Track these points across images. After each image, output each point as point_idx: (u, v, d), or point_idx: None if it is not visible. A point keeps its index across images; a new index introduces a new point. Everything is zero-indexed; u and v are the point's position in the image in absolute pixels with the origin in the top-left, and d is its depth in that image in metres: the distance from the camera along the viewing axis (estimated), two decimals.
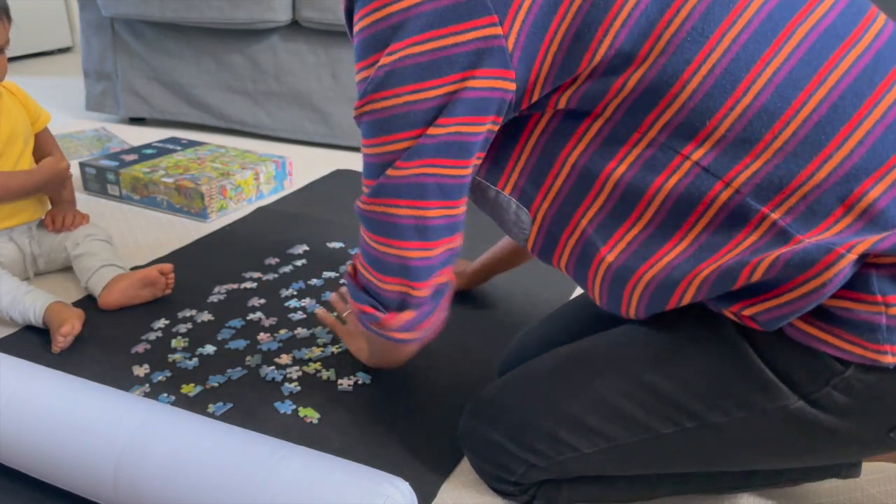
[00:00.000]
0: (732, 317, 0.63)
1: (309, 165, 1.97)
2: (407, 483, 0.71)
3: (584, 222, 0.66)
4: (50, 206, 1.37)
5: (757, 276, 0.57)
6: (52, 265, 1.34)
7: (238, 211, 1.67)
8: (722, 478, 0.79)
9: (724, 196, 0.59)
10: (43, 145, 1.36)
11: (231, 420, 0.94)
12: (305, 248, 1.46)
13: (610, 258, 0.65)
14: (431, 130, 0.63)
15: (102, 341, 1.12)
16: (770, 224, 0.58)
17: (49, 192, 1.33)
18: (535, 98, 0.64)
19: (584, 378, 0.73)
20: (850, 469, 0.81)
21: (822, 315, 0.59)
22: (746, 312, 0.61)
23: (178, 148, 1.86)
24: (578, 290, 1.28)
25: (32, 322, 1.14)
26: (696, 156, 0.59)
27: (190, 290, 1.28)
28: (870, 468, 0.88)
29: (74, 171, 1.81)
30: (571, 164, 0.65)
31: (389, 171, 0.66)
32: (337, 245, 1.47)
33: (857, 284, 0.56)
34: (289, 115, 2.14)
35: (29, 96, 1.35)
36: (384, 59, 0.63)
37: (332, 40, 2.02)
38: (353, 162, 2.02)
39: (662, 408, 0.68)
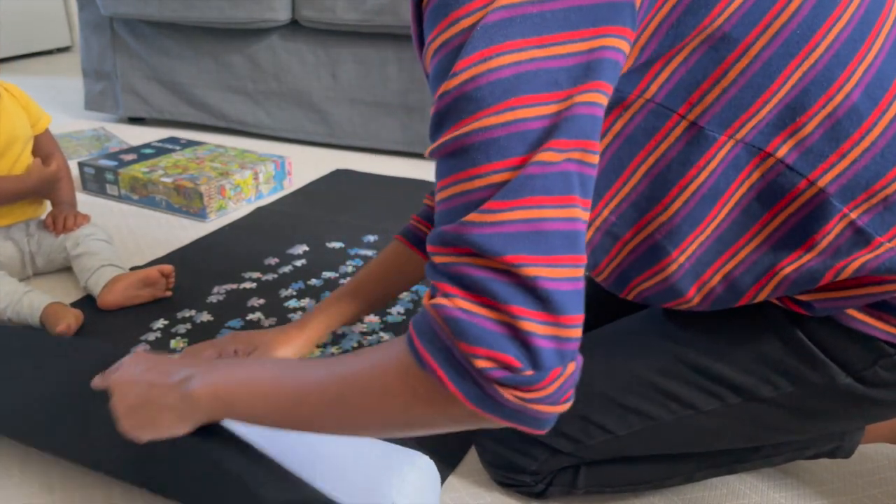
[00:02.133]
0: (776, 300, 0.65)
1: (308, 165, 1.97)
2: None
3: (651, 228, 0.62)
4: (49, 205, 1.37)
5: (842, 278, 0.59)
6: (51, 265, 1.34)
7: (237, 211, 1.67)
8: (734, 452, 0.81)
9: (808, 194, 0.57)
10: (43, 147, 1.37)
11: None
12: (305, 248, 1.46)
13: (681, 259, 0.62)
14: (582, 98, 0.47)
15: (101, 341, 1.12)
16: (848, 223, 0.57)
17: (41, 196, 1.33)
18: (624, 69, 0.54)
19: (618, 360, 0.74)
20: (850, 444, 0.83)
21: (874, 303, 0.61)
22: (803, 298, 0.62)
23: (177, 148, 1.86)
24: None
25: (29, 322, 1.14)
26: (781, 153, 0.57)
27: (189, 291, 1.27)
28: (870, 469, 0.88)
29: (73, 170, 1.81)
30: (644, 172, 0.60)
31: (543, 156, 0.46)
32: (337, 245, 1.47)
33: None
34: (288, 114, 2.14)
35: (30, 99, 1.35)
36: (501, 1, 0.47)
37: (332, 40, 2.02)
38: (353, 162, 2.02)
39: (706, 384, 0.69)
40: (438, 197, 0.50)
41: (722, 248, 0.61)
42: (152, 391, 0.63)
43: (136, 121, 2.38)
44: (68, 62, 3.40)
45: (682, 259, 0.62)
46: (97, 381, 0.71)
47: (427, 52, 0.51)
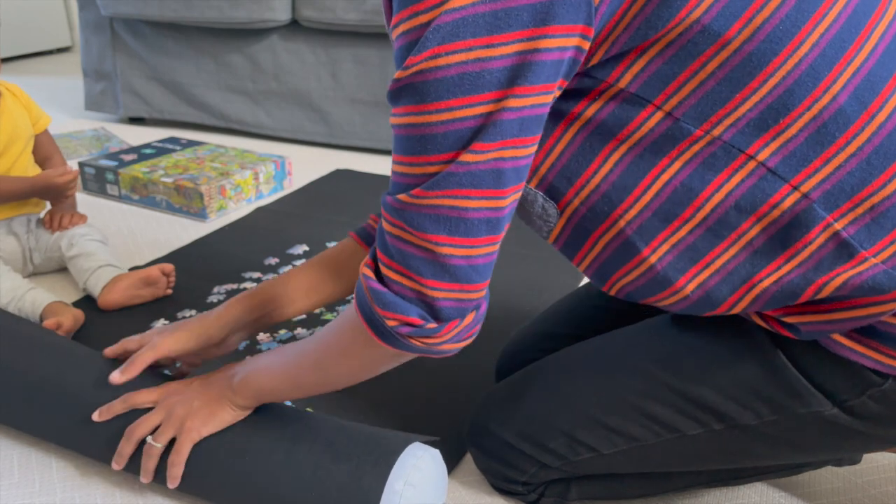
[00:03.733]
0: (762, 322, 0.63)
1: (308, 165, 1.97)
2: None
3: (622, 222, 0.60)
4: (48, 203, 1.38)
5: (822, 296, 0.57)
6: (48, 263, 1.34)
7: (237, 211, 1.67)
8: (731, 469, 0.80)
9: (790, 200, 0.55)
10: (42, 147, 1.38)
11: None
12: (305, 248, 1.46)
13: (653, 259, 0.60)
14: (513, 102, 0.52)
15: (102, 342, 1.12)
16: (832, 234, 0.55)
17: (48, 199, 1.34)
18: (595, 59, 0.55)
19: (604, 378, 0.73)
20: (851, 458, 0.82)
21: (861, 329, 0.58)
22: (789, 320, 0.60)
23: (178, 148, 1.86)
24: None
25: (31, 319, 1.14)
26: (763, 156, 0.55)
27: (189, 291, 1.27)
28: (870, 469, 0.88)
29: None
30: (615, 162, 0.58)
31: (465, 157, 0.53)
32: None
33: None
34: (288, 114, 2.14)
35: (31, 99, 1.36)
36: (456, 1, 0.50)
37: (332, 40, 2.02)
38: (353, 162, 2.02)
39: (689, 409, 0.68)
40: (392, 167, 0.59)
41: (696, 257, 0.59)
42: (208, 392, 0.77)
43: (136, 121, 2.38)
44: (68, 62, 3.41)
45: (653, 259, 0.60)
46: (118, 406, 0.80)
47: (392, 33, 0.56)
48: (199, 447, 0.75)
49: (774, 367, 0.63)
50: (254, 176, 1.71)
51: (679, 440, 0.69)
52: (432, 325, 0.59)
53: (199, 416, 0.75)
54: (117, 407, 0.79)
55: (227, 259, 1.40)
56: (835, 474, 0.87)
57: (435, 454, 0.76)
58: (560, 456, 0.75)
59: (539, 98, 0.53)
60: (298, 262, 1.39)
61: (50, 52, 3.61)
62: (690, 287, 0.61)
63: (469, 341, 0.63)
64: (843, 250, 0.55)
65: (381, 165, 1.99)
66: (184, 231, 1.56)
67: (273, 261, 1.40)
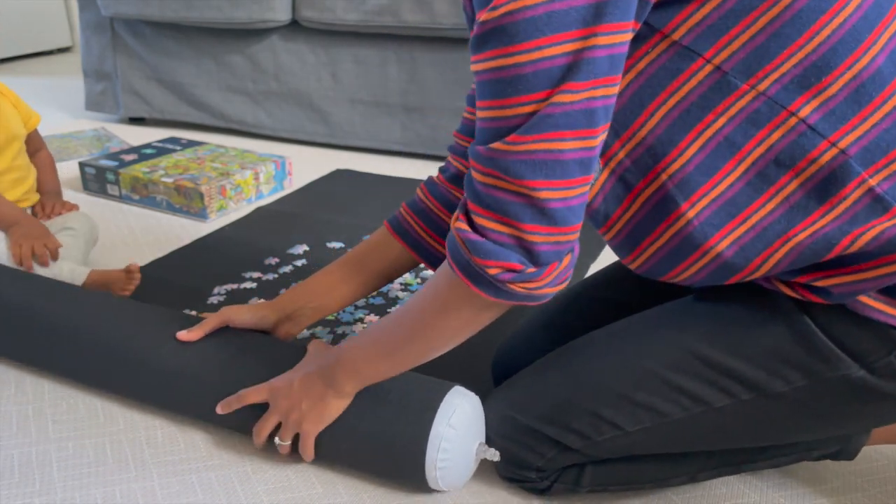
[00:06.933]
0: (789, 290, 0.64)
1: (308, 165, 1.97)
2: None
3: (664, 176, 0.61)
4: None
5: (855, 248, 0.58)
6: None
7: (237, 211, 1.67)
8: (740, 452, 0.80)
9: (829, 156, 0.57)
10: (33, 143, 1.41)
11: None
12: (305, 248, 1.46)
13: (690, 214, 0.61)
14: (602, 40, 0.53)
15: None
16: (867, 189, 0.57)
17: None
18: None
19: (629, 355, 0.74)
20: (854, 446, 0.83)
21: (886, 289, 0.60)
22: (821, 283, 0.61)
23: (178, 148, 1.86)
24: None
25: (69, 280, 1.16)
26: (804, 112, 0.57)
27: (189, 291, 1.28)
28: (870, 469, 0.88)
29: (74, 171, 1.82)
30: (664, 114, 0.60)
31: (559, 97, 0.54)
32: (337, 245, 1.47)
33: None
34: (288, 114, 2.14)
35: (19, 97, 1.37)
36: None
37: (332, 40, 2.02)
38: (353, 162, 2.02)
39: (718, 379, 0.69)
40: (478, 115, 0.59)
41: (734, 212, 0.61)
42: (312, 393, 0.80)
43: (136, 121, 2.38)
44: (69, 62, 3.41)
45: (691, 214, 0.62)
46: (234, 402, 0.84)
47: None
48: None
49: (802, 333, 0.65)
50: (254, 176, 1.71)
51: (705, 414, 0.70)
52: (532, 269, 0.60)
53: (310, 418, 0.80)
54: (234, 403, 0.84)
55: (227, 259, 1.40)
56: (835, 474, 0.87)
57: (474, 398, 0.81)
58: (584, 436, 0.75)
59: (623, 36, 0.54)
60: (299, 263, 1.39)
61: (50, 52, 3.61)
62: (724, 244, 0.62)
63: (565, 284, 0.65)
64: (877, 205, 0.58)
65: (381, 165, 1.99)
66: (184, 231, 1.56)
67: (273, 261, 1.40)
